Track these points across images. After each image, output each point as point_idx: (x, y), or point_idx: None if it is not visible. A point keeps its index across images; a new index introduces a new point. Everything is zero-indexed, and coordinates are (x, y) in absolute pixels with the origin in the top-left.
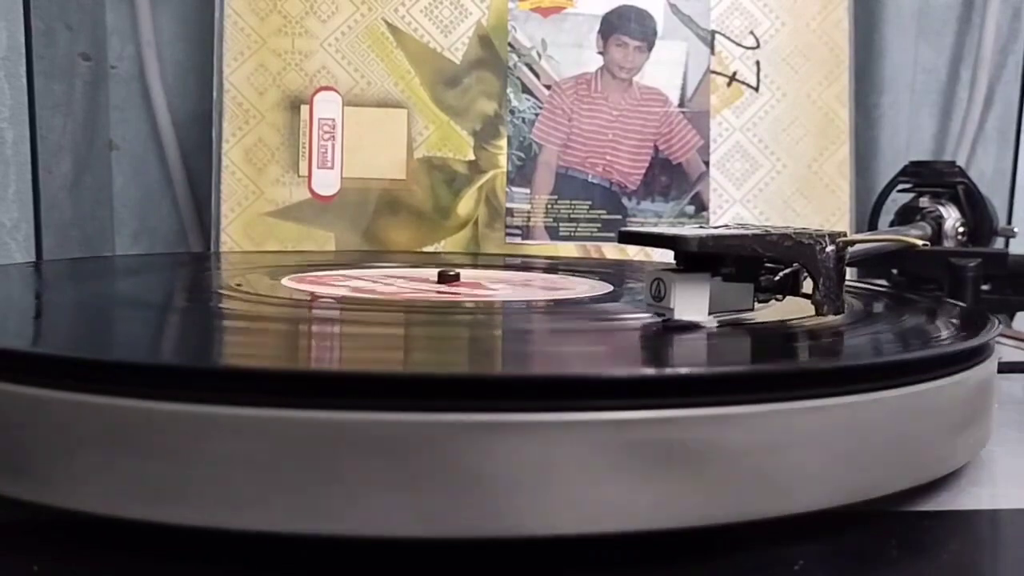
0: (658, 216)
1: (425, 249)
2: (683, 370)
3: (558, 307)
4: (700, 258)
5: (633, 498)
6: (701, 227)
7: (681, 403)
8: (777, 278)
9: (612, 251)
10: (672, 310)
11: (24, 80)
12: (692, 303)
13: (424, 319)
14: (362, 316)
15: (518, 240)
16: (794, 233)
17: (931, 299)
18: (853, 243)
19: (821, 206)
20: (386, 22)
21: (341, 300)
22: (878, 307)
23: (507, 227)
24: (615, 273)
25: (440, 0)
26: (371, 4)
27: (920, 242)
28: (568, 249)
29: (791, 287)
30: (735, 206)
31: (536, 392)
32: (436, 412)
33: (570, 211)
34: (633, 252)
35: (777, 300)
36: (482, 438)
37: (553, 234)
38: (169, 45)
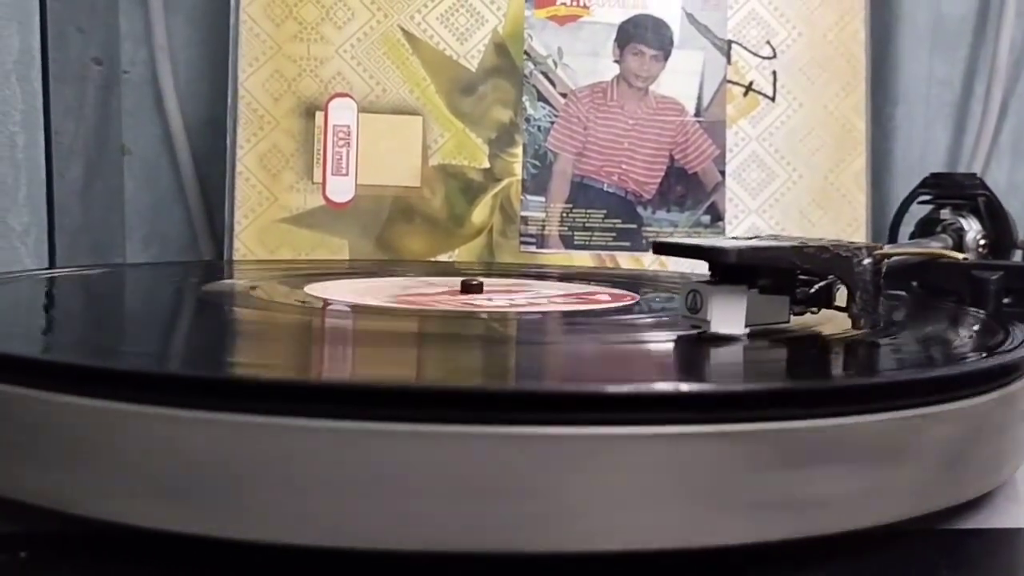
0: (673, 226)
1: (439, 257)
2: (714, 386)
3: (589, 318)
4: (735, 270)
5: (666, 516)
6: (735, 239)
7: (711, 419)
8: (812, 290)
9: (627, 260)
10: (708, 322)
11: (36, 84)
12: (728, 316)
13: (442, 328)
14: (383, 325)
15: (532, 249)
16: (831, 245)
17: (973, 313)
18: (891, 256)
19: (837, 217)
20: (402, 29)
21: (355, 308)
22: (915, 320)
23: (521, 235)
24: (632, 284)
25: (456, 7)
26: (387, 11)
27: (960, 255)
28: (583, 258)
29: (826, 300)
30: (751, 216)
31: (590, 406)
32: (466, 424)
33: (585, 220)
34: (648, 262)
35: (812, 313)
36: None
37: (568, 243)
38: (182, 50)
